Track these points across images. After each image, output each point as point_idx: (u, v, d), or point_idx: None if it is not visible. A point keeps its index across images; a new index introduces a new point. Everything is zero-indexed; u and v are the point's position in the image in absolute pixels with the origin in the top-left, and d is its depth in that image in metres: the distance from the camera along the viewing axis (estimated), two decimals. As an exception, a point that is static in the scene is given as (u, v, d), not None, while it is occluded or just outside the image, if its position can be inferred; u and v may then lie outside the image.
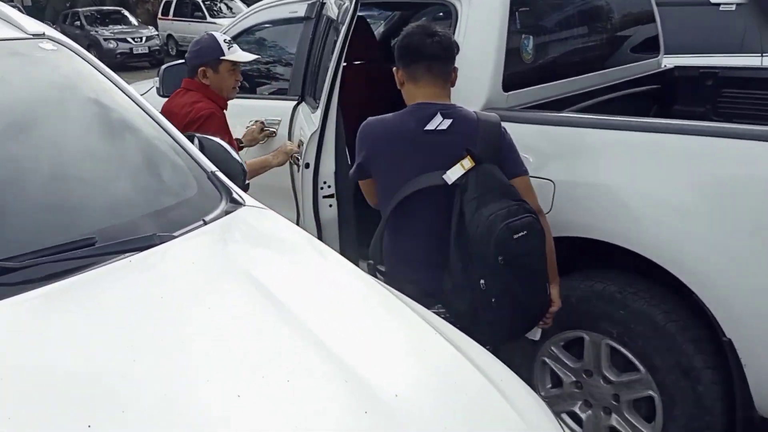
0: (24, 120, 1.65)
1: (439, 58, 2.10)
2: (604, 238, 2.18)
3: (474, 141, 2.01)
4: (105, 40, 16.18)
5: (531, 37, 2.68)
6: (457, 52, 2.16)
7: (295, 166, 2.76)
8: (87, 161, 1.66)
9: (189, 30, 16.70)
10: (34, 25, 1.89)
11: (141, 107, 1.85)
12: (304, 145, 2.56)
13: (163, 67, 3.46)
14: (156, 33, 17.53)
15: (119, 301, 1.27)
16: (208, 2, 18.15)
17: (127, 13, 18.59)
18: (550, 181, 2.28)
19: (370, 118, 2.13)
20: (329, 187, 2.50)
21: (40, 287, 1.26)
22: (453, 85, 2.17)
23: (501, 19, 2.52)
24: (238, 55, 2.74)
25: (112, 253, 1.39)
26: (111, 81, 1.88)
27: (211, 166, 1.79)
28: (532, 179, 2.19)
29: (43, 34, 1.87)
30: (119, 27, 17.13)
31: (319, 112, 2.49)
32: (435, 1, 2.79)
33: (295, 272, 1.52)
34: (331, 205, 2.52)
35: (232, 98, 2.77)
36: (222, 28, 3.55)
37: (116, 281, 1.32)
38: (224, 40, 2.73)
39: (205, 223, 1.58)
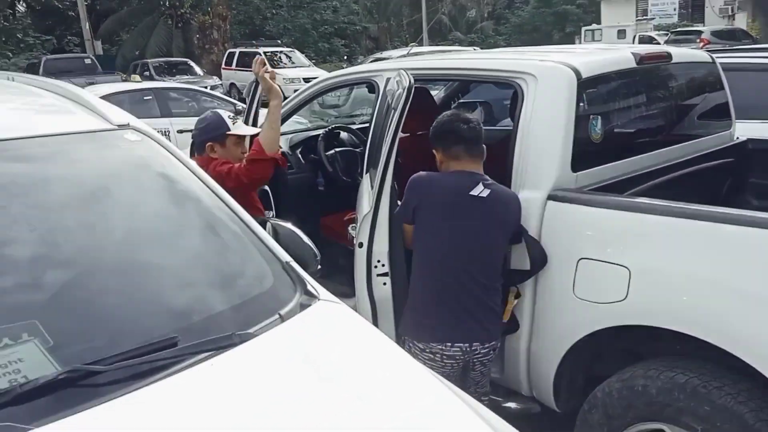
0: (107, 214, 1.72)
1: (475, 140, 2.54)
2: (684, 329, 2.11)
3: (508, 211, 2.47)
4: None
5: (599, 116, 2.66)
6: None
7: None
8: (168, 255, 1.71)
9: (250, 79, 17.27)
10: (119, 116, 1.97)
11: (218, 196, 1.90)
12: (358, 224, 2.58)
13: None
14: (220, 82, 18.26)
15: (204, 409, 1.28)
16: (269, 53, 18.81)
17: (192, 63, 19.43)
18: (625, 267, 2.23)
19: (421, 172, 2.53)
20: (383, 265, 2.51)
21: (127, 391, 1.29)
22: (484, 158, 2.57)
23: (568, 100, 2.52)
24: (242, 129, 2.94)
25: (194, 353, 1.41)
26: (190, 170, 1.94)
27: (285, 256, 1.82)
28: (606, 264, 2.27)
29: (128, 124, 1.95)
30: (186, 77, 17.87)
31: (373, 192, 2.52)
32: (500, 79, 2.80)
33: (373, 379, 1.51)
34: (385, 284, 2.53)
35: None
36: (289, 96, 3.66)
37: (200, 388, 1.34)
38: (228, 116, 2.92)
39: (281, 318, 1.60)
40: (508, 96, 4.81)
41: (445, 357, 2.40)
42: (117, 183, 1.80)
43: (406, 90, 2.37)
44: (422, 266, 2.48)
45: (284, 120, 3.91)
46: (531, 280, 2.53)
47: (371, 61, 15.26)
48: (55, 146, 1.78)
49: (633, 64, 2.79)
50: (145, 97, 9.37)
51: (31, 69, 17.39)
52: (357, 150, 4.17)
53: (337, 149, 4.11)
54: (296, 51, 20.89)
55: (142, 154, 1.90)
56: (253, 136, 2.89)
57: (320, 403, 1.36)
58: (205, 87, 17.06)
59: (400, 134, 3.84)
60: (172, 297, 1.61)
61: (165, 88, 10.32)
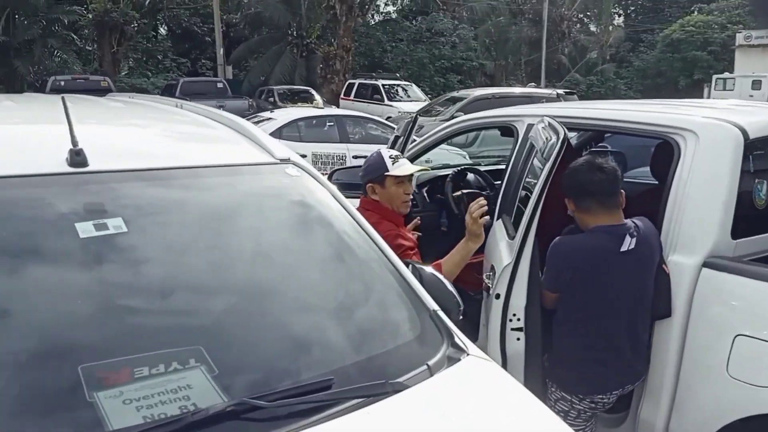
0: (267, 248, 1.77)
1: (607, 193, 2.43)
2: None
3: (654, 252, 2.40)
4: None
5: (765, 181, 2.48)
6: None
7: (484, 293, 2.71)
8: (320, 293, 1.73)
9: (368, 110, 17.71)
10: (281, 150, 2.04)
11: (369, 237, 1.91)
12: (497, 275, 2.51)
13: (334, 170, 3.76)
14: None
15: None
16: (387, 86, 19.24)
17: (314, 92, 20.20)
18: (788, 351, 2.04)
19: (562, 238, 2.49)
20: (518, 320, 2.43)
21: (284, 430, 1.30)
22: (623, 206, 2.47)
23: (734, 161, 2.36)
24: (401, 169, 2.78)
25: (346, 398, 1.41)
26: (345, 209, 1.97)
27: (432, 304, 1.79)
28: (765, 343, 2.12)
29: (289, 159, 2.01)
30: (306, 105, 18.61)
31: (516, 243, 2.45)
32: (654, 133, 2.67)
33: None
34: (519, 339, 2.44)
35: (405, 213, 2.85)
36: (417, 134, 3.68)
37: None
38: (390, 156, 2.80)
39: (430, 370, 1.57)
40: (642, 144, 4.63)
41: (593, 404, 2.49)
42: (277, 218, 1.86)
43: (560, 141, 2.30)
44: (577, 323, 2.46)
45: (417, 158, 3.95)
46: (677, 350, 2.37)
47: (443, 101, 15.14)
48: (220, 177, 1.86)
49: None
50: (328, 123, 9.79)
51: (168, 90, 18.68)
52: (484, 193, 4.12)
53: (464, 191, 4.07)
54: (413, 85, 21.23)
55: (302, 190, 1.95)
56: (409, 177, 2.82)
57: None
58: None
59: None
60: (324, 337, 1.62)
61: (343, 115, 10.79)
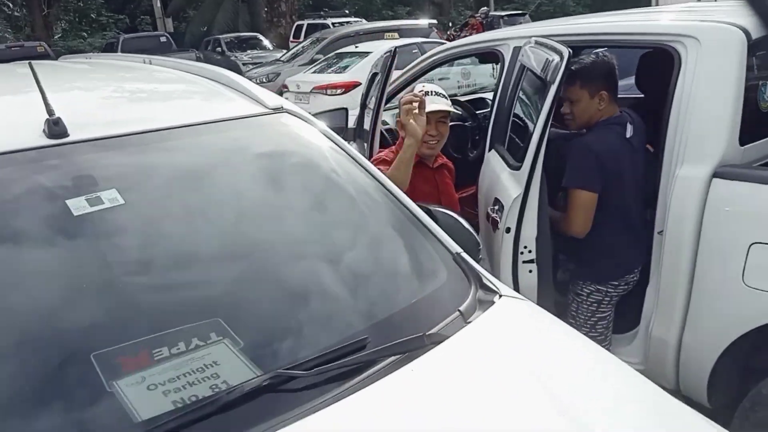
0: (276, 204, 1.63)
1: (616, 84, 2.61)
2: None
3: (643, 135, 2.63)
4: (243, 64, 16.99)
5: (768, 82, 2.40)
6: None
7: (492, 229, 2.61)
8: (338, 247, 1.59)
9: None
10: (272, 98, 1.87)
11: (379, 181, 1.78)
12: (506, 209, 2.42)
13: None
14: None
15: (422, 420, 1.17)
16: (337, 24, 18.62)
17: (262, 37, 19.47)
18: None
19: (589, 137, 2.57)
20: (530, 252, 2.36)
21: (328, 398, 1.20)
22: None
23: (739, 64, 2.26)
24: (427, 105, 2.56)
25: (386, 356, 1.30)
26: (346, 152, 1.83)
27: (455, 247, 1.68)
28: None
29: (281, 107, 1.85)
30: (256, 51, 17.95)
31: (523, 174, 2.34)
32: (652, 43, 2.55)
33: (595, 385, 1.36)
34: (531, 271, 2.38)
35: (428, 154, 2.64)
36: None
37: (409, 394, 1.24)
38: (422, 91, 2.58)
39: (462, 316, 1.47)
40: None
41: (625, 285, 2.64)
42: (281, 171, 1.71)
43: (565, 60, 2.16)
44: (605, 213, 2.54)
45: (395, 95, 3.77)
46: (688, 264, 2.32)
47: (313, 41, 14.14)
48: (216, 134, 1.69)
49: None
50: (413, 51, 9.17)
51: (110, 48, 17.76)
52: (467, 124, 3.99)
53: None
54: (364, 20, 20.63)
55: (302, 139, 1.80)
56: (435, 115, 2.54)
57: (550, 401, 1.23)
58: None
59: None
60: (349, 294, 1.49)
61: (422, 42, 10.31)
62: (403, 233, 1.68)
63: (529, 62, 2.58)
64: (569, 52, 2.18)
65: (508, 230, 2.33)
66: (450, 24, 27.85)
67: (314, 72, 10.04)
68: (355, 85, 7.81)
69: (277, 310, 1.41)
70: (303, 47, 13.71)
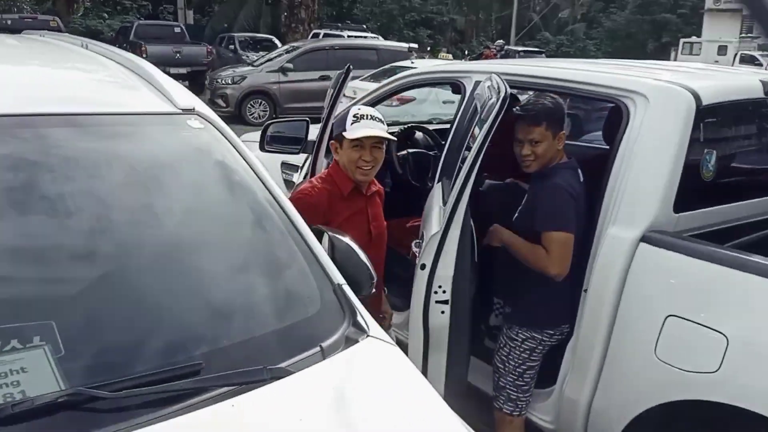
0: (148, 208, 1.54)
1: None
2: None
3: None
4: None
5: (714, 151, 2.33)
6: None
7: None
8: (205, 263, 1.51)
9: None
10: (186, 98, 1.79)
11: (276, 199, 1.70)
12: (424, 243, 2.34)
13: (267, 123, 3.59)
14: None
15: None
16: (353, 38, 18.67)
17: (277, 41, 19.47)
18: (722, 335, 1.91)
19: (559, 181, 2.40)
20: (444, 292, 2.26)
21: (128, 426, 1.11)
22: None
23: (683, 128, 2.20)
24: (357, 131, 2.32)
25: (211, 387, 1.22)
26: (251, 166, 1.74)
27: (338, 277, 1.60)
28: (700, 327, 2.00)
29: (193, 109, 1.77)
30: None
31: (446, 210, 2.26)
32: (604, 96, 2.49)
33: None
34: (443, 312, 2.27)
35: (361, 180, 2.40)
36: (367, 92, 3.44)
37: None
38: (354, 115, 2.37)
39: (323, 353, 1.39)
40: (595, 109, 4.43)
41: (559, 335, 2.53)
42: (167, 176, 1.62)
43: (500, 101, 2.10)
44: None
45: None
46: (605, 327, 2.24)
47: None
48: (110, 127, 1.61)
49: (761, 94, 2.43)
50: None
51: (123, 32, 17.78)
52: (431, 153, 3.92)
53: (410, 150, 3.86)
54: (380, 38, 20.67)
55: (203, 145, 1.72)
56: (369, 140, 2.34)
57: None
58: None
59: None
60: (202, 313, 1.41)
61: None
62: (281, 257, 1.60)
63: (480, 97, 2.51)
64: (506, 91, 2.11)
65: (423, 267, 2.24)
66: (466, 52, 27.95)
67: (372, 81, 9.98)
68: (410, 100, 7.81)
69: (117, 322, 1.32)
70: (278, 54, 13.66)
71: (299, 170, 3.82)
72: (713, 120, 2.33)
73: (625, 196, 2.25)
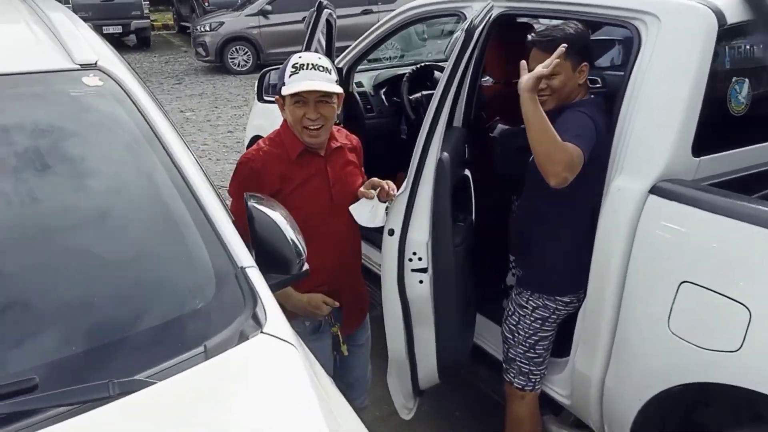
0: (20, 182, 1.33)
1: None
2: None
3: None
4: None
5: (746, 80, 1.89)
6: None
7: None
8: (76, 247, 1.28)
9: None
10: (87, 52, 1.57)
11: (178, 168, 1.45)
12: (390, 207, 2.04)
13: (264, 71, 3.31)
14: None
15: None
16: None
17: None
18: (745, 307, 1.55)
19: (581, 108, 1.99)
20: (420, 260, 1.96)
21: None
22: None
23: (701, 53, 1.78)
24: (292, 85, 1.93)
25: (49, 407, 1.02)
26: (153, 130, 1.50)
27: (244, 259, 1.35)
28: (719, 297, 1.63)
29: (95, 63, 1.55)
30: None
31: (412, 163, 1.95)
32: (614, 19, 2.07)
33: None
34: (421, 282, 1.99)
35: (310, 143, 2.00)
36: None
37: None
38: (294, 65, 1.95)
39: (206, 353, 1.16)
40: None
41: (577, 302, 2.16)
42: (39, 144, 1.39)
43: (464, 31, 1.75)
44: (575, 211, 2.07)
45: (359, 60, 3.41)
46: (613, 296, 1.90)
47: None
48: None
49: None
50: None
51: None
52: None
53: (425, 92, 3.51)
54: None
55: (90, 106, 1.49)
56: (312, 94, 1.93)
57: None
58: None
59: (489, 82, 3.21)
60: (47, 312, 1.18)
61: None
62: (167, 238, 1.36)
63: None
64: (471, 23, 1.76)
65: (390, 232, 1.95)
66: None
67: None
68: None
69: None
70: None
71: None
72: (742, 42, 1.88)
73: (632, 138, 1.86)
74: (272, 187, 1.93)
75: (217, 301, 1.28)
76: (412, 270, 1.97)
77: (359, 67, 3.53)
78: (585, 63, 2.06)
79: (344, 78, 3.34)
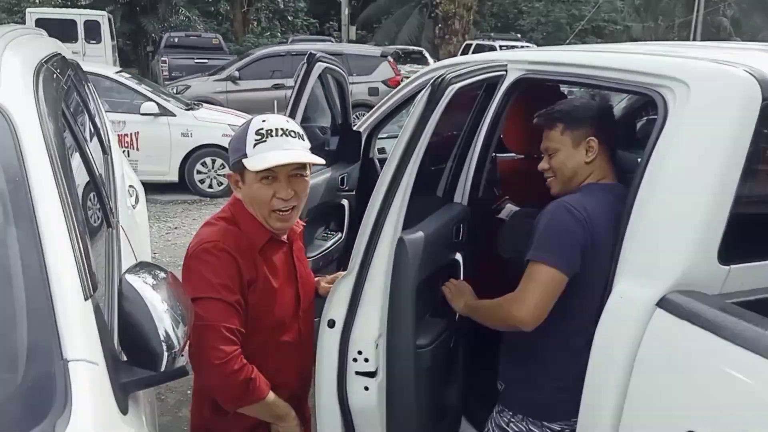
0: None
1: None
2: None
3: None
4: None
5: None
6: None
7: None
8: None
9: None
10: None
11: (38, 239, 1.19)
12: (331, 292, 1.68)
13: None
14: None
15: None
16: (505, 48, 17.85)
17: (427, 54, 19.14)
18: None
19: (568, 198, 1.67)
20: (366, 361, 1.58)
21: None
22: None
23: (738, 130, 1.38)
24: (263, 158, 1.49)
25: None
26: (26, 179, 1.26)
27: (77, 353, 1.06)
28: None
29: None
30: (413, 66, 17.68)
31: (361, 241, 1.60)
32: (635, 85, 1.69)
33: None
34: (367, 388, 1.60)
35: (279, 228, 1.59)
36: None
37: None
38: (258, 130, 1.52)
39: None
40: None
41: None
42: None
43: (427, 92, 1.45)
44: (571, 319, 1.67)
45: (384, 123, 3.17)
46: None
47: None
48: None
49: None
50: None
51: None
52: None
53: None
54: (535, 46, 19.61)
55: None
56: (285, 168, 1.52)
57: None
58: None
59: (513, 156, 2.85)
60: None
61: None
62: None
63: None
64: (441, 78, 1.46)
65: (331, 324, 1.59)
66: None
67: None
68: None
69: None
70: (230, 61, 12.71)
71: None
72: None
73: (642, 234, 1.46)
74: (240, 282, 1.51)
75: (10, 405, 0.99)
76: (356, 372, 1.59)
77: (382, 133, 3.28)
78: (592, 138, 1.69)
79: (365, 143, 3.09)
